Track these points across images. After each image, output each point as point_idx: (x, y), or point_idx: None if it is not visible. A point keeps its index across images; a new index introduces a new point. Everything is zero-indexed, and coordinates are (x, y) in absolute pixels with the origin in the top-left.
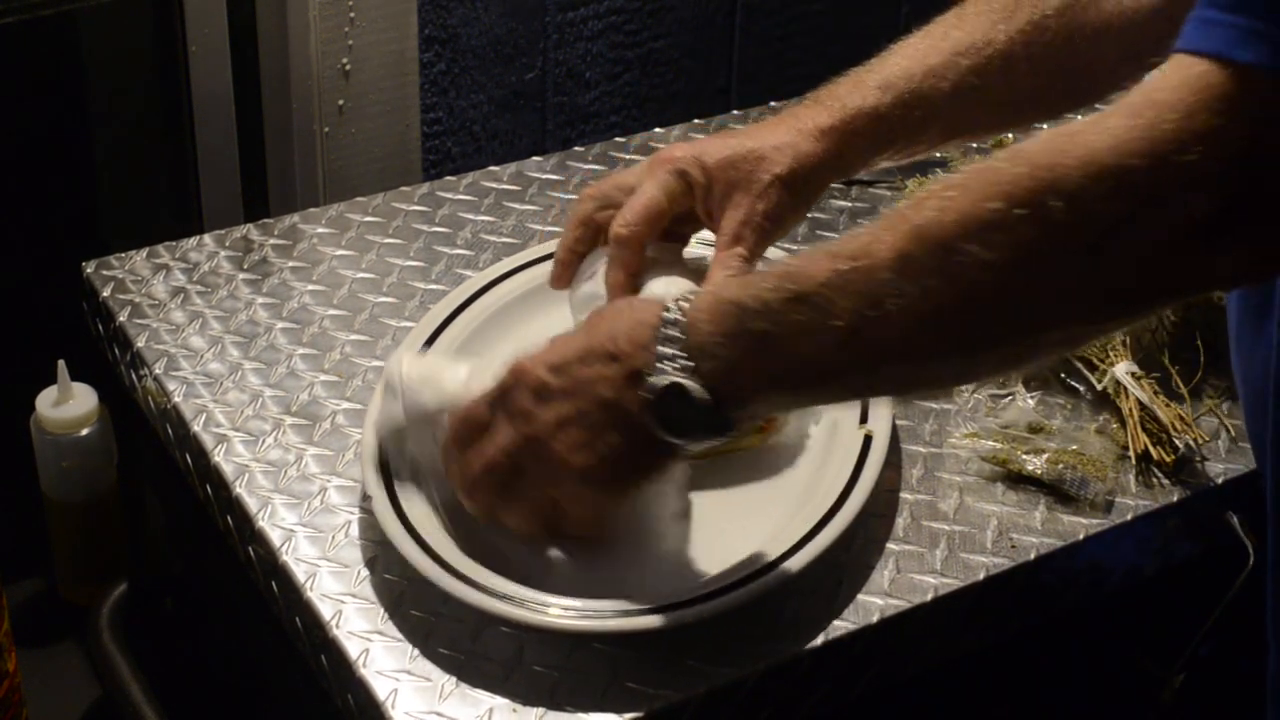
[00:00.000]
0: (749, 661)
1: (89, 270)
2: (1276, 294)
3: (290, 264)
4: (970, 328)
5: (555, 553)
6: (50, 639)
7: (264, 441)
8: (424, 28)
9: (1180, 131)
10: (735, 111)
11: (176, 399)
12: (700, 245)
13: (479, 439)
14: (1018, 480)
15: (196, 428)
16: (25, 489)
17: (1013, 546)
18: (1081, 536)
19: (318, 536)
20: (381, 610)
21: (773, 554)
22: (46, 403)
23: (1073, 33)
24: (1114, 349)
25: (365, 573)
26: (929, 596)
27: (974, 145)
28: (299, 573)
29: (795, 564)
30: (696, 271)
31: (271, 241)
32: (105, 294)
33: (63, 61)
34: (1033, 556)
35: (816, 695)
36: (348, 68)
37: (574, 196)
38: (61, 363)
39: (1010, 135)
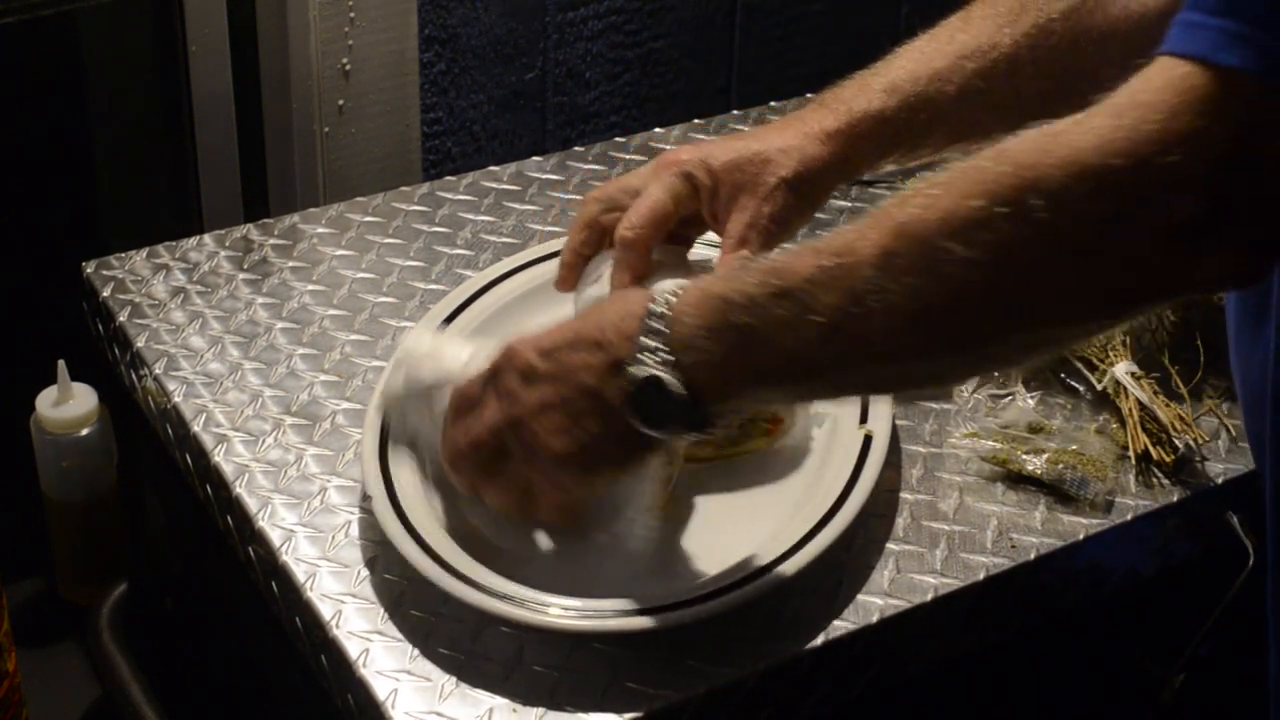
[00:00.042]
0: (749, 661)
1: (89, 270)
2: (1274, 297)
3: (290, 264)
4: (952, 326)
5: (538, 539)
6: (50, 639)
7: (264, 441)
8: (424, 28)
9: (1163, 133)
10: (735, 111)
11: (176, 399)
12: (706, 247)
13: (469, 415)
14: (1018, 480)
15: (196, 428)
16: (25, 489)
17: (1013, 546)
18: (1081, 536)
19: (318, 536)
20: (381, 610)
21: (773, 554)
22: (46, 403)
23: (1078, 36)
24: (1114, 349)
25: (365, 573)
26: (929, 596)
27: (979, 149)
28: (299, 573)
29: (795, 564)
30: (702, 274)
31: (271, 241)
32: (105, 294)
33: (63, 61)
34: (1033, 556)
35: (816, 695)
36: (348, 68)
37: (574, 196)
38: (61, 363)
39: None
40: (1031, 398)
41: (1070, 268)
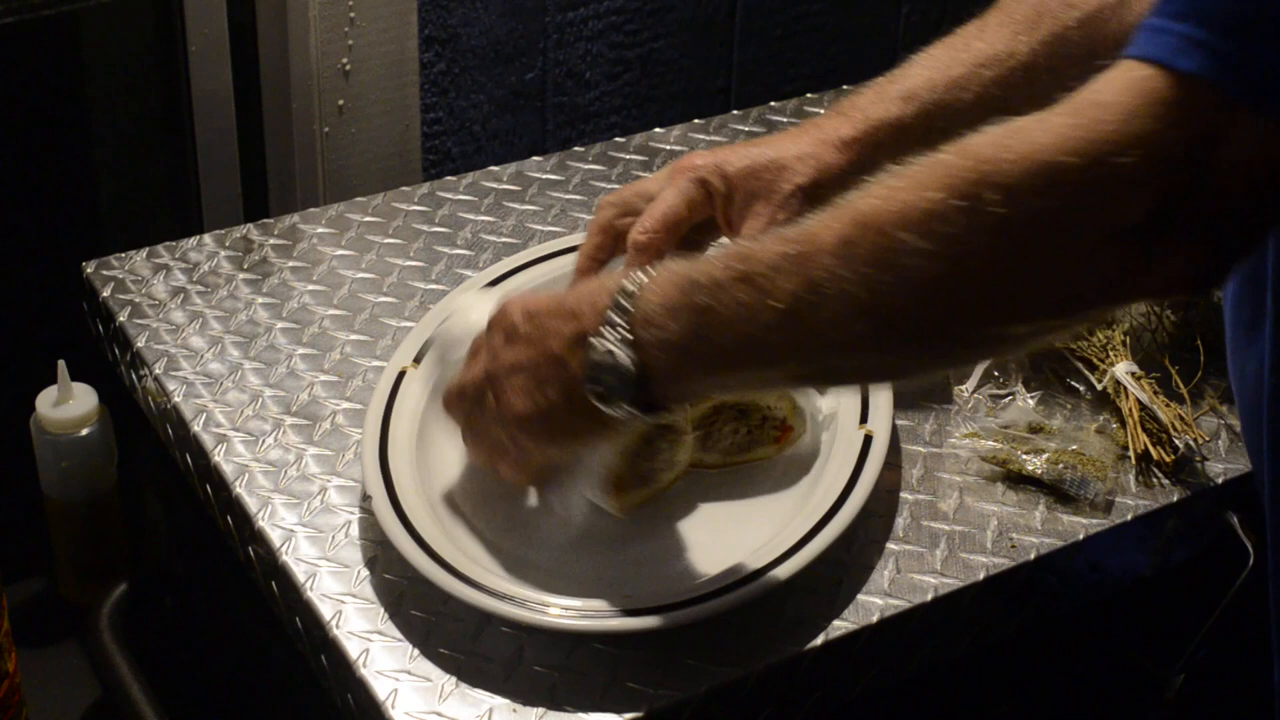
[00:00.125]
0: (749, 661)
1: (89, 270)
2: (1268, 304)
3: (290, 264)
4: (905, 318)
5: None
6: (50, 639)
7: (264, 441)
8: (424, 28)
9: (1118, 134)
10: (735, 111)
11: (176, 399)
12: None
13: (468, 364)
14: (1018, 480)
15: (196, 428)
16: (25, 489)
17: (1013, 546)
18: (1081, 536)
19: (318, 536)
20: (381, 610)
21: (773, 554)
22: (46, 403)
23: (1095, 44)
24: (1114, 349)
25: (365, 573)
26: (929, 596)
27: None
28: (299, 573)
29: (795, 564)
30: None
31: (271, 241)
32: (105, 294)
33: (63, 61)
34: (1033, 556)
35: (816, 695)
36: (348, 68)
37: (574, 197)
38: (61, 363)
39: None
40: (1031, 398)
41: (1022, 264)
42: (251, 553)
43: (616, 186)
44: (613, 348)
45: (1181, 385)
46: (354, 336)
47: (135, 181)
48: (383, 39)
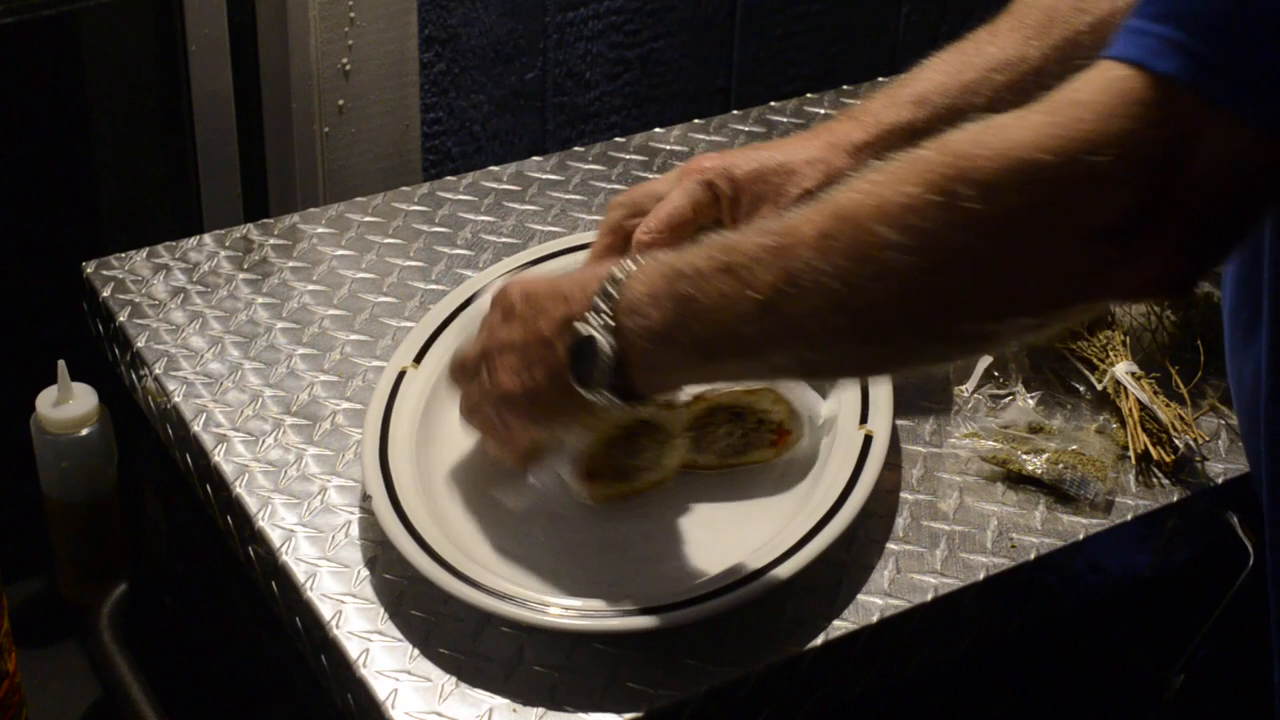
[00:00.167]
0: (749, 661)
1: (89, 270)
2: (1264, 309)
3: (290, 264)
4: (879, 312)
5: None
6: (50, 639)
7: (264, 441)
8: (424, 28)
9: (1094, 133)
10: (735, 111)
11: (176, 399)
12: None
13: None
14: (1018, 480)
15: (196, 428)
16: (25, 489)
17: (1013, 546)
18: (1081, 536)
19: (318, 536)
20: (381, 610)
21: (773, 554)
22: (46, 403)
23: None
24: (1114, 349)
25: (365, 573)
26: (929, 596)
27: None
28: (299, 573)
29: (795, 564)
30: None
31: (271, 241)
32: (105, 294)
33: (63, 61)
34: (1033, 556)
35: (816, 695)
36: (348, 68)
37: (574, 197)
38: (61, 363)
39: None
40: (1031, 398)
41: (997, 260)
42: (251, 553)
43: (617, 186)
44: (594, 333)
45: (1181, 385)
46: (354, 336)
47: (135, 181)
48: (383, 39)
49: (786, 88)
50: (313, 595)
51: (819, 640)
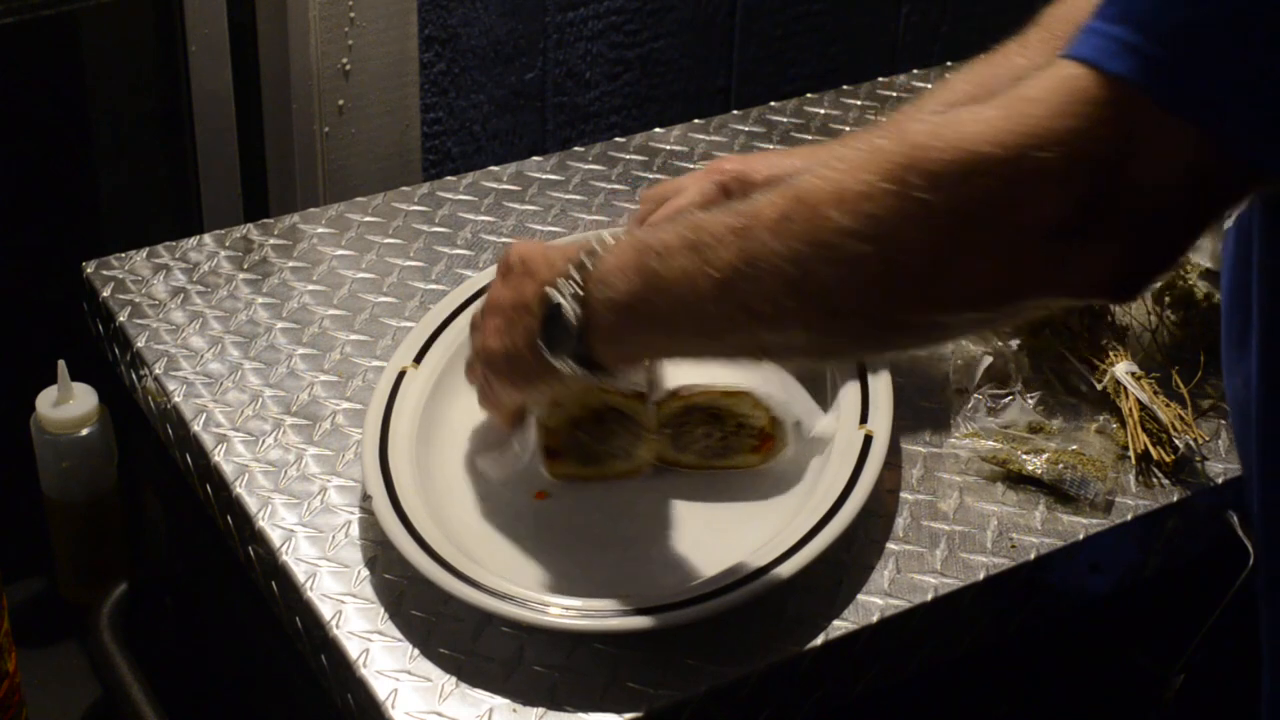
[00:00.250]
0: (749, 661)
1: (89, 270)
2: (1254, 318)
3: (290, 264)
4: (829, 297)
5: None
6: (50, 639)
7: (264, 441)
8: (424, 28)
9: (1043, 129)
10: (735, 111)
11: (176, 399)
12: None
13: None
14: (1018, 480)
15: (196, 428)
16: (25, 489)
17: (1013, 546)
18: (1081, 536)
19: (318, 536)
20: (381, 610)
21: (773, 553)
22: (46, 403)
23: None
24: (1114, 349)
25: (365, 573)
26: (929, 596)
27: None
28: (299, 573)
29: (795, 564)
30: None
31: (271, 241)
32: (105, 294)
33: (63, 61)
34: (1033, 556)
35: (816, 695)
36: (348, 68)
37: (574, 196)
38: (61, 363)
39: None
40: (1031, 398)
41: (944, 251)
42: (251, 553)
43: (617, 187)
44: (563, 301)
45: (1181, 385)
46: (354, 336)
47: (135, 181)
48: (383, 39)
49: (786, 88)
50: (313, 595)
51: (819, 640)
